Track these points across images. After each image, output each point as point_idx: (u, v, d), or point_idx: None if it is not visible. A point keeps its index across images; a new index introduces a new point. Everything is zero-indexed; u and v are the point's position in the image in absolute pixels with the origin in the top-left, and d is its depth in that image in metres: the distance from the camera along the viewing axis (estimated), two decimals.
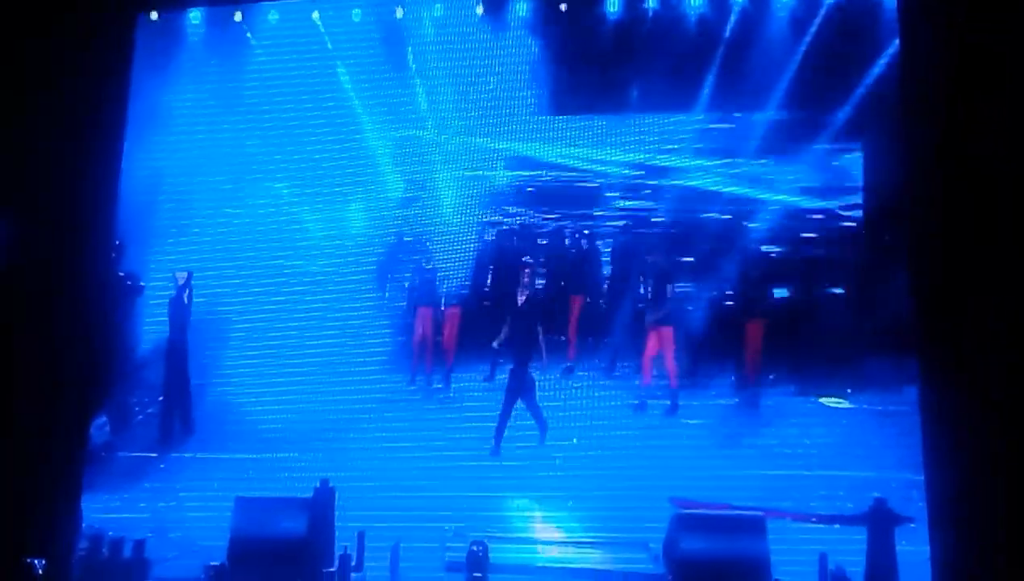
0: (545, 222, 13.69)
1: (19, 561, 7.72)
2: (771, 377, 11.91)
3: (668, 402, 11.68)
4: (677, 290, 12.19)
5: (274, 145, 13.22)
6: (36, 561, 7.81)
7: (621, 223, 13.56)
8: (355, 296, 13.20)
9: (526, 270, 12.30)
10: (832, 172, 12.57)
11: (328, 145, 13.41)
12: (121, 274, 11.73)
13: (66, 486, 8.57)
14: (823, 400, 11.40)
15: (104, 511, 9.84)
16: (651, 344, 11.93)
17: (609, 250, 13.20)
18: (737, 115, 12.80)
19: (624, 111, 13.38)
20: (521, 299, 11.87)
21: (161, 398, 12.15)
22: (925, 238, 8.29)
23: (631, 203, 13.78)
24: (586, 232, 13.40)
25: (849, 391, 11.40)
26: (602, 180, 13.84)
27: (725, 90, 12.70)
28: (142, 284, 12.21)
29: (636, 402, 11.74)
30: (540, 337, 11.54)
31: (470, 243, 13.74)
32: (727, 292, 12.22)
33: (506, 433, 11.23)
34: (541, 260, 13.52)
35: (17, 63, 8.67)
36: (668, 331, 11.91)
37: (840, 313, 12.02)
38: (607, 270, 13.08)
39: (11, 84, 8.63)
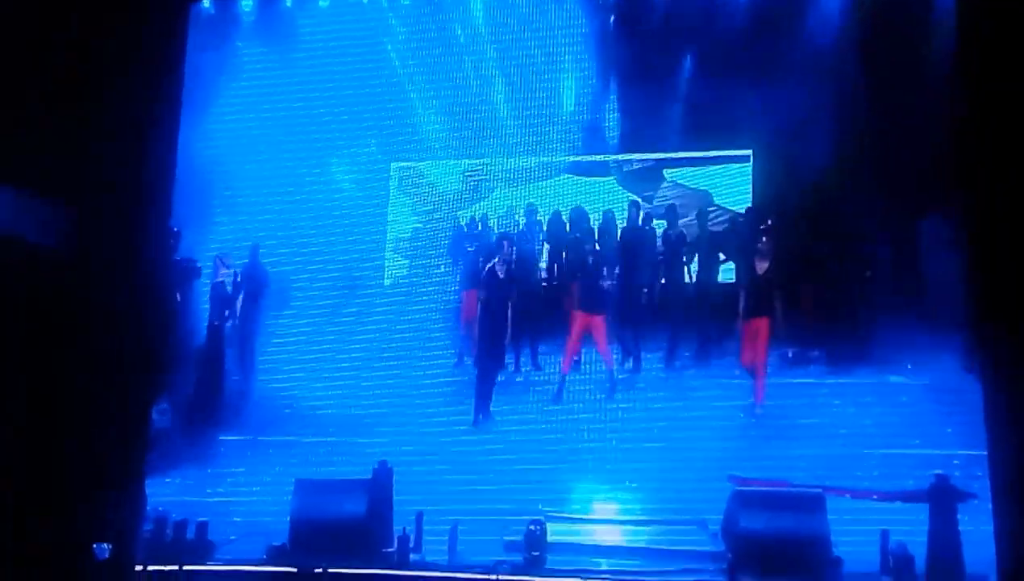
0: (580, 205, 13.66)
1: (85, 546, 7.88)
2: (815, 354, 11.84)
3: (608, 384, 11.78)
4: (612, 280, 12.09)
5: (326, 128, 13.33)
6: (102, 545, 7.95)
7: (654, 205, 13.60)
8: (412, 278, 13.30)
9: (512, 248, 12.10)
10: (888, 142, 12.34)
11: (380, 126, 13.49)
12: (178, 258, 11.87)
13: (130, 470, 8.70)
14: (882, 377, 11.28)
15: (167, 494, 10.00)
16: (575, 330, 11.79)
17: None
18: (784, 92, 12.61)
19: (670, 90, 13.35)
20: (501, 273, 11.78)
21: (204, 383, 12.31)
22: (985, 209, 8.10)
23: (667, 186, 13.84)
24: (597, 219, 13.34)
25: (909, 367, 11.26)
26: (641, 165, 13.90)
27: (773, 67, 12.58)
28: (199, 265, 12.33)
29: (555, 389, 11.77)
30: (508, 314, 11.60)
31: (516, 226, 13.82)
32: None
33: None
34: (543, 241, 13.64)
35: (70, 55, 8.78)
36: (599, 319, 11.77)
37: (897, 288, 11.86)
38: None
39: (65, 77, 8.74)
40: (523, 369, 12.72)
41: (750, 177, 14.18)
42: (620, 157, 14.53)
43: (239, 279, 12.40)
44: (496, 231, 13.62)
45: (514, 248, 12.05)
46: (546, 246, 13.64)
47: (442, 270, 13.29)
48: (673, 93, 13.56)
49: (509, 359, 12.45)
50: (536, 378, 12.45)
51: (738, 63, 12.80)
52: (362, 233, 13.59)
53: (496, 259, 11.83)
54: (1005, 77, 7.90)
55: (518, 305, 11.87)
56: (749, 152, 14.20)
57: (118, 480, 8.37)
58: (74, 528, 7.94)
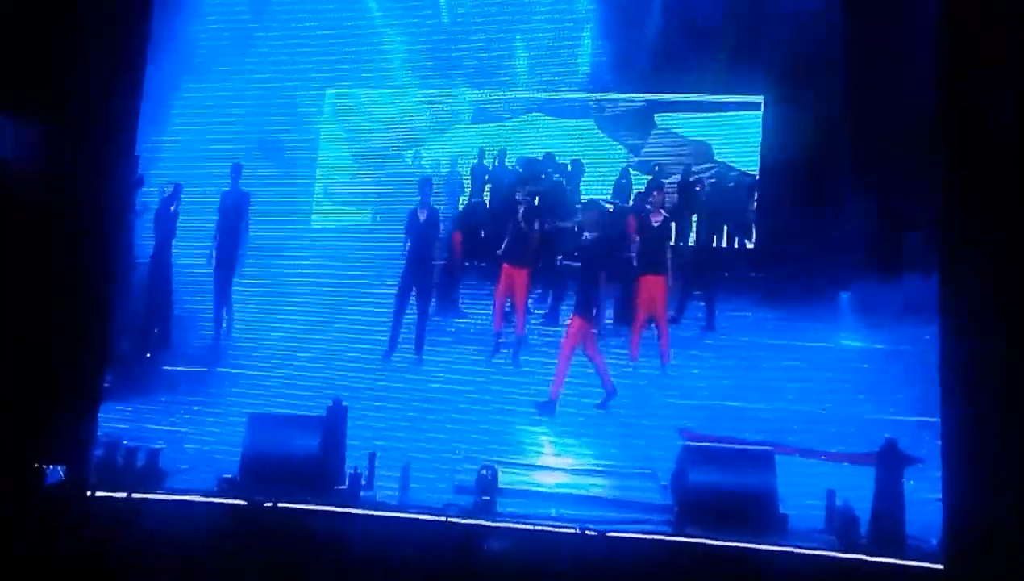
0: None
1: (38, 467, 7.86)
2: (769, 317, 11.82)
3: (511, 350, 11.64)
4: (543, 229, 11.93)
5: (296, 59, 13.01)
6: (55, 467, 7.93)
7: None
8: (370, 211, 13.12)
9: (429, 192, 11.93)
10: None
11: (347, 59, 13.07)
12: (140, 186, 11.67)
13: (84, 393, 8.66)
14: (837, 339, 11.36)
15: (119, 421, 9.91)
16: (502, 285, 11.67)
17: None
18: None
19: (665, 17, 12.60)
20: (422, 217, 11.74)
21: (147, 310, 12.13)
22: (951, 167, 8.07)
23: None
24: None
25: (864, 330, 11.33)
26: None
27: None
28: (155, 191, 12.10)
29: (490, 349, 11.71)
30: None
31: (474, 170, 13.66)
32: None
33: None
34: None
35: None
36: (523, 273, 11.67)
37: (854, 248, 11.82)
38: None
39: (37, 11, 8.66)
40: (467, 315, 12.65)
41: (760, 127, 12.92)
42: (602, 96, 13.43)
43: (178, 209, 12.18)
44: (453, 172, 13.53)
45: (430, 192, 11.90)
46: (487, 189, 13.46)
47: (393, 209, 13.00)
48: (668, 22, 12.51)
49: (444, 303, 12.56)
50: (486, 326, 12.31)
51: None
52: (298, 167, 13.30)
53: (418, 201, 11.77)
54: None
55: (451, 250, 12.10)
56: (760, 98, 12.99)
57: (71, 402, 8.34)
58: (27, 450, 7.90)
